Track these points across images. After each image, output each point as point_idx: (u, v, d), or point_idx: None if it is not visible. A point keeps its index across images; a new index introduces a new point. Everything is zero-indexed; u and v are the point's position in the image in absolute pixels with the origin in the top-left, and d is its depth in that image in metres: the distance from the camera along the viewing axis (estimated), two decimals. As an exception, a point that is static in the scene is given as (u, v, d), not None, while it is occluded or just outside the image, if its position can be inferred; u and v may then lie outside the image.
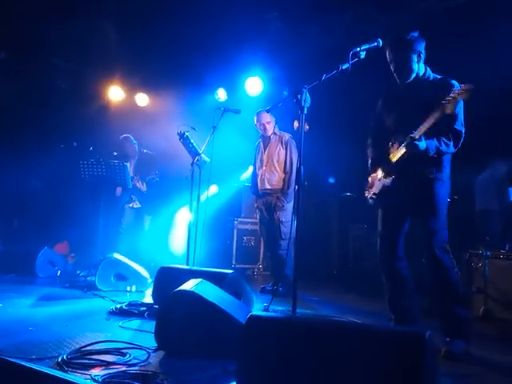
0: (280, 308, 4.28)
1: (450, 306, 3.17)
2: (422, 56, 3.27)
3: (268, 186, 5.58)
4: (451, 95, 2.89)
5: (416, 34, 3.24)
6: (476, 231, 5.24)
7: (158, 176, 6.81)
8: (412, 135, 3.03)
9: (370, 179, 3.59)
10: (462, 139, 3.16)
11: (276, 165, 5.58)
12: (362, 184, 3.70)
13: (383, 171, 3.43)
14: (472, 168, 5.63)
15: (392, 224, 3.44)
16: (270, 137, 5.67)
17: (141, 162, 6.94)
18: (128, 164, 6.17)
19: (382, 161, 3.45)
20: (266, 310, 4.00)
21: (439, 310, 3.25)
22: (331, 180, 7.35)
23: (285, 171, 5.53)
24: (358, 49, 3.17)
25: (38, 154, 7.88)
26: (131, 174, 6.70)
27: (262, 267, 7.48)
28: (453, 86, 3.11)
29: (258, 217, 5.82)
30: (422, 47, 3.26)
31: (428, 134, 3.04)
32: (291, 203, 5.41)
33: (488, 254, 4.44)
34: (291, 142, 5.59)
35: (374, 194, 3.48)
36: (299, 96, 3.13)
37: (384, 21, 6.32)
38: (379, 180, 3.46)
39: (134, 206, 6.84)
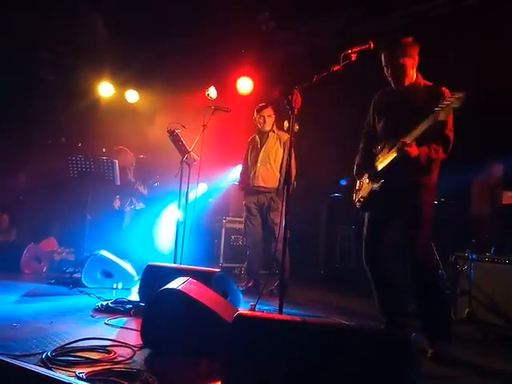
0: (266, 307, 4.29)
1: (433, 308, 3.20)
2: (415, 61, 3.28)
3: (262, 184, 5.48)
4: (445, 102, 2.89)
5: (411, 39, 3.26)
6: (465, 234, 5.28)
7: (158, 181, 6.90)
8: (403, 140, 3.04)
9: (358, 183, 3.61)
10: (451, 144, 3.18)
11: (272, 163, 5.49)
12: (350, 185, 3.73)
13: (370, 176, 3.44)
14: (465, 171, 5.68)
15: (377, 227, 3.46)
16: (268, 133, 5.57)
17: (140, 166, 6.98)
18: (116, 161, 6.13)
19: (369, 166, 3.47)
20: (252, 309, 4.00)
21: (422, 312, 3.27)
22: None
23: (280, 171, 5.44)
24: (350, 51, 3.19)
25: (26, 149, 7.81)
26: (132, 180, 6.77)
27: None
28: (443, 93, 3.13)
29: (244, 214, 5.70)
30: (416, 53, 3.28)
31: (418, 140, 3.05)
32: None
33: (474, 256, 4.47)
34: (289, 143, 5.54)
35: (362, 197, 3.49)
36: (290, 96, 3.14)
37: (376, 23, 6.36)
38: (367, 184, 3.47)
39: (137, 208, 7.02)
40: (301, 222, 7.52)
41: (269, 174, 5.47)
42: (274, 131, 5.57)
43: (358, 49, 3.21)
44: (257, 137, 5.67)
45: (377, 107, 3.57)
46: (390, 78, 3.34)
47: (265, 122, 5.50)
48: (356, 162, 3.67)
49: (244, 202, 5.70)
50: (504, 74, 4.93)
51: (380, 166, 3.32)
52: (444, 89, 3.19)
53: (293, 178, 5.32)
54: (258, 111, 5.54)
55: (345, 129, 6.96)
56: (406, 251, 3.28)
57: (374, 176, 3.38)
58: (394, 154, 3.16)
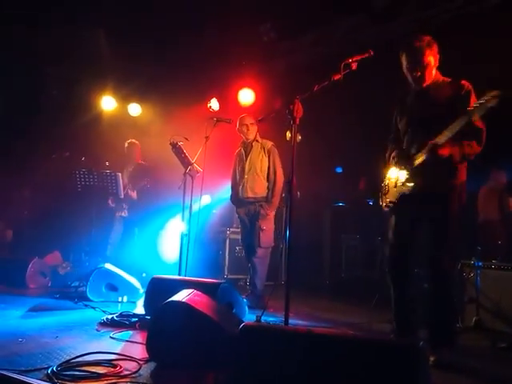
0: (272, 319, 4.27)
1: (444, 316, 3.16)
2: (436, 59, 3.28)
3: (251, 195, 5.37)
4: (480, 101, 2.84)
5: (431, 37, 3.26)
6: (471, 242, 5.25)
7: (149, 183, 6.74)
8: (435, 141, 3.00)
9: (384, 186, 3.56)
10: (485, 136, 3.12)
11: (259, 173, 5.38)
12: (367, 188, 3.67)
13: (401, 178, 3.37)
14: (472, 178, 5.66)
15: (405, 232, 3.38)
16: (251, 144, 5.48)
17: (136, 171, 6.88)
18: (119, 174, 6.14)
19: (401, 164, 3.39)
20: (258, 320, 3.98)
21: (431, 319, 3.22)
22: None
23: (268, 179, 5.37)
24: (350, 60, 3.20)
25: (29, 163, 7.85)
26: (126, 181, 6.67)
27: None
28: (464, 85, 3.14)
29: (240, 226, 5.68)
30: (436, 50, 3.28)
31: (450, 139, 3.00)
32: (274, 212, 5.34)
33: (480, 264, 4.45)
34: (274, 150, 5.42)
35: (391, 201, 3.43)
36: (291, 106, 3.14)
37: (377, 31, 6.38)
38: (395, 187, 3.41)
39: (122, 215, 6.77)
40: (305, 231, 7.52)
41: (257, 184, 5.38)
42: (257, 140, 5.48)
43: (359, 58, 3.23)
44: (242, 149, 5.60)
45: (399, 108, 3.54)
46: (411, 79, 3.31)
47: (248, 129, 5.42)
48: (390, 155, 3.57)
49: (237, 215, 5.68)
50: (504, 81, 4.93)
51: (412, 167, 3.25)
52: (464, 82, 3.18)
53: (279, 185, 5.29)
54: (240, 122, 5.49)
55: (349, 138, 7.00)
56: (428, 255, 3.23)
57: (406, 178, 3.31)
58: (424, 156, 3.10)
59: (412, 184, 3.25)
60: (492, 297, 4.31)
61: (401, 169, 3.37)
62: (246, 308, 4.19)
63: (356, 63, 3.21)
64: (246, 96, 7.73)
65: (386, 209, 3.51)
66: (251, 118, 5.47)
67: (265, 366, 2.07)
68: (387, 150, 3.64)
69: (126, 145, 6.98)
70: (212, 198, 7.59)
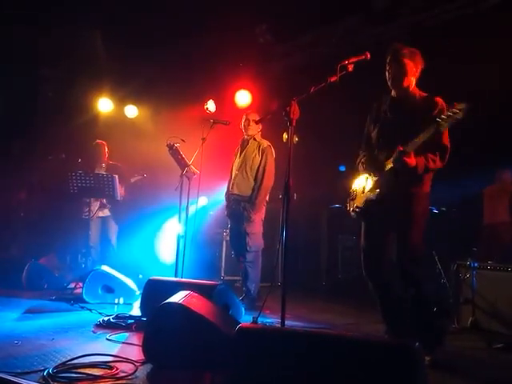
0: (269, 320, 4.27)
1: (423, 317, 3.20)
2: (417, 70, 3.33)
3: (236, 192, 5.31)
4: (448, 113, 2.90)
5: (418, 51, 3.33)
6: (466, 243, 5.27)
7: (143, 174, 6.63)
8: (402, 149, 3.04)
9: (352, 192, 3.61)
10: (448, 154, 3.19)
11: (248, 170, 5.30)
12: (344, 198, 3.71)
13: (369, 184, 3.43)
14: (465, 181, 5.68)
15: (374, 237, 3.43)
16: (248, 140, 5.42)
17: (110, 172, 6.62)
18: (116, 176, 6.11)
19: (369, 170, 3.46)
20: (254, 322, 3.98)
21: (415, 321, 3.25)
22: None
23: (255, 179, 5.27)
24: (346, 62, 3.21)
25: (26, 165, 7.83)
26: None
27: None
28: (437, 102, 3.18)
29: (229, 226, 5.62)
30: (419, 63, 3.33)
31: (415, 150, 3.06)
32: (259, 214, 5.23)
33: (475, 265, 4.47)
34: (268, 151, 5.32)
35: (357, 207, 3.48)
36: (288, 108, 3.15)
37: (374, 33, 6.40)
38: (363, 193, 3.47)
39: (102, 215, 6.58)
40: (302, 232, 7.52)
41: (243, 182, 5.30)
42: (255, 139, 5.42)
43: (355, 60, 3.24)
44: (239, 145, 5.57)
45: (373, 115, 3.58)
46: (389, 80, 3.36)
47: (249, 124, 5.36)
48: (359, 161, 3.64)
49: (226, 213, 5.60)
50: (506, 82, 4.96)
51: (377, 174, 3.32)
52: (438, 99, 3.23)
53: (265, 187, 5.21)
54: (245, 116, 5.45)
55: (345, 139, 7.00)
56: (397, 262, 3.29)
57: (372, 185, 3.37)
58: (391, 164, 3.16)
59: (378, 190, 3.31)
60: (488, 297, 4.33)
61: (369, 175, 3.44)
62: (243, 309, 4.19)
63: (352, 65, 3.21)
64: (243, 97, 7.73)
65: (353, 213, 3.56)
66: (256, 115, 5.39)
67: (261, 367, 2.08)
68: (358, 157, 3.70)
69: (93, 145, 6.79)
70: (209, 199, 7.59)
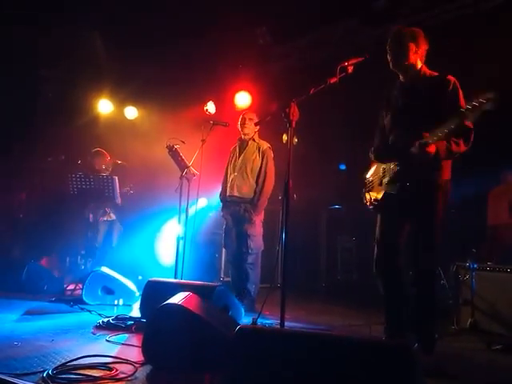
0: (268, 321, 4.27)
1: (422, 319, 3.16)
2: (420, 49, 3.29)
3: (236, 194, 5.23)
4: (474, 103, 2.78)
5: (418, 30, 3.31)
6: (466, 243, 5.26)
7: (132, 189, 6.63)
8: (423, 141, 2.96)
9: (368, 183, 3.53)
10: (473, 135, 3.09)
11: (249, 172, 5.24)
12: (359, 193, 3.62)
13: (384, 176, 3.36)
14: (466, 181, 5.67)
15: (391, 231, 3.35)
16: (247, 142, 5.36)
17: (117, 173, 6.67)
18: (116, 178, 6.12)
19: (387, 161, 3.36)
20: (254, 323, 3.98)
21: (415, 322, 3.21)
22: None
23: (257, 182, 5.21)
24: (346, 63, 3.21)
25: (25, 166, 7.83)
26: None
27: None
28: (449, 81, 3.14)
29: (223, 227, 5.51)
30: (422, 42, 3.30)
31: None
32: (260, 216, 5.20)
33: (475, 266, 4.47)
34: (268, 153, 5.27)
35: (376, 200, 3.41)
36: (287, 109, 3.15)
37: (374, 34, 6.40)
38: (380, 185, 3.39)
39: (108, 219, 6.67)
40: (301, 234, 7.52)
41: (244, 184, 5.23)
42: (254, 140, 5.35)
43: (355, 61, 3.23)
44: (237, 146, 5.50)
45: (385, 104, 3.54)
46: (391, 63, 3.33)
47: (245, 123, 5.31)
48: (373, 151, 3.56)
49: (222, 214, 5.52)
50: (507, 83, 4.96)
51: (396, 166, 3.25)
52: (450, 76, 3.18)
53: (267, 189, 5.16)
54: (242, 115, 5.41)
55: (345, 140, 7.01)
56: (413, 255, 3.23)
57: (390, 176, 3.29)
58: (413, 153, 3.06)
59: (398, 183, 3.22)
60: (487, 299, 4.33)
61: (386, 166, 3.35)
62: (242, 311, 4.19)
63: (352, 66, 3.21)
64: (243, 99, 7.74)
65: (371, 207, 3.48)
66: (254, 114, 5.39)
67: (261, 368, 2.08)
68: (372, 147, 3.62)
69: (92, 153, 6.78)
70: (208, 201, 7.59)
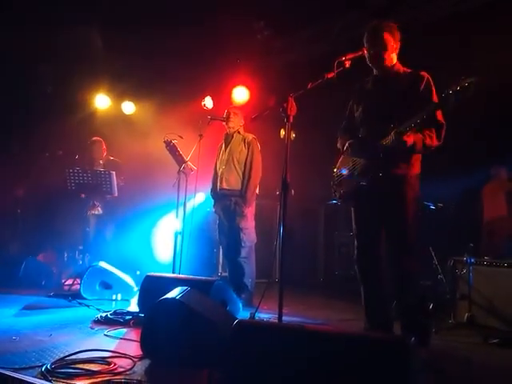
0: (266, 316, 4.28)
1: (408, 311, 3.16)
2: (396, 44, 3.26)
3: (225, 186, 5.22)
4: (455, 87, 2.72)
5: (393, 24, 3.27)
6: (463, 238, 5.28)
7: (123, 181, 6.57)
8: (398, 130, 2.95)
9: (336, 176, 3.50)
10: (444, 131, 3.10)
11: (236, 163, 5.22)
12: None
13: (355, 168, 3.32)
14: (463, 176, 5.68)
15: (366, 224, 3.34)
16: (232, 135, 5.36)
17: (108, 168, 6.61)
18: (114, 173, 6.11)
19: (358, 154, 3.32)
20: (252, 317, 3.99)
21: (404, 317, 3.22)
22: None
23: (243, 173, 5.21)
24: (344, 58, 3.20)
25: (23, 162, 7.82)
26: None
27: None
28: (423, 77, 3.13)
29: (217, 223, 5.51)
30: (398, 36, 3.27)
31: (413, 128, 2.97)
32: (251, 209, 5.19)
33: (472, 260, 4.48)
34: (254, 144, 5.26)
35: (345, 192, 3.38)
36: (285, 104, 3.14)
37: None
38: (351, 177, 3.35)
39: (96, 213, 6.58)
40: (299, 229, 7.53)
41: (232, 176, 5.23)
42: (239, 132, 5.36)
43: (352, 56, 3.23)
44: (223, 141, 5.50)
45: (357, 95, 3.52)
46: (368, 58, 3.28)
47: (229, 117, 5.31)
48: (344, 144, 3.47)
49: (214, 210, 5.54)
50: (503, 80, 4.97)
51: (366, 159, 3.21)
52: (423, 73, 3.18)
53: (253, 180, 5.14)
54: (228, 109, 5.41)
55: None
56: (391, 259, 3.22)
57: (360, 168, 3.26)
58: (388, 144, 3.05)
59: (369, 175, 3.19)
60: (484, 293, 4.34)
61: (357, 159, 3.32)
62: (240, 305, 4.20)
63: (349, 61, 3.21)
64: (241, 94, 7.72)
65: (340, 200, 3.47)
66: (237, 109, 5.42)
67: (259, 363, 2.09)
68: (339, 139, 3.59)
69: (91, 141, 6.76)
70: (206, 196, 7.58)
